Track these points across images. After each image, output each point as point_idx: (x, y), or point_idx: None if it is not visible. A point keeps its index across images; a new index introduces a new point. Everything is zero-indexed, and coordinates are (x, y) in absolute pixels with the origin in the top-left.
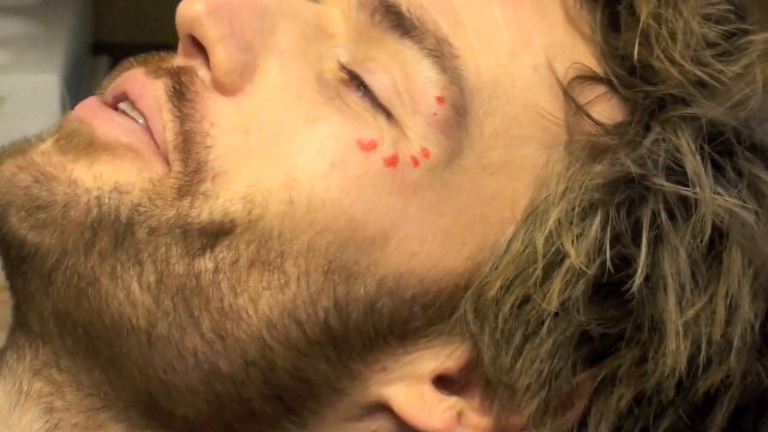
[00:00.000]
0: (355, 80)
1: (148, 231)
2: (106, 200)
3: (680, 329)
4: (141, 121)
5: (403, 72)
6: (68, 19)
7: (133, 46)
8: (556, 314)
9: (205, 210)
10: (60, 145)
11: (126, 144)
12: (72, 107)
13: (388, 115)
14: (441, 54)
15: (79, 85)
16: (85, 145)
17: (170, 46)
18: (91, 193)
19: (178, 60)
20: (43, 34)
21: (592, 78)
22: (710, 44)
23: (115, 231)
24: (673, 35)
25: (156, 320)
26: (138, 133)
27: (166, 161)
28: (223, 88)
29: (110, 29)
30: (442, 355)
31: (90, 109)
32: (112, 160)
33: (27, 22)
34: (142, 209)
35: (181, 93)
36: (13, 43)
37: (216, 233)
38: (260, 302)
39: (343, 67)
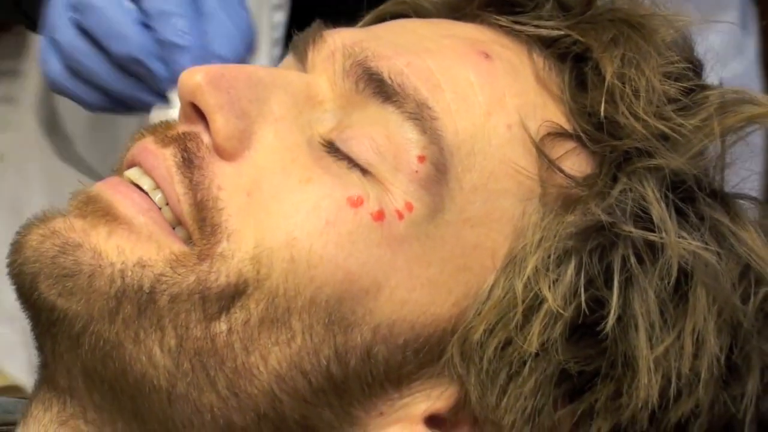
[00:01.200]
0: (334, 149)
1: (170, 299)
2: (130, 273)
3: (651, 365)
4: (147, 185)
5: (385, 134)
6: None
7: None
8: (537, 355)
9: (223, 272)
10: (80, 209)
11: (143, 223)
12: None
13: (370, 174)
14: (421, 117)
15: None
16: (102, 212)
17: None
18: (115, 266)
19: (182, 126)
20: None
21: (562, 134)
22: (671, 100)
23: (138, 300)
24: (636, 93)
25: (176, 380)
26: (154, 213)
27: (184, 226)
28: (225, 153)
29: None
30: (433, 397)
31: (110, 184)
32: (129, 236)
33: None
34: (164, 278)
35: (189, 161)
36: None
37: (232, 295)
38: (270, 358)
39: (324, 140)
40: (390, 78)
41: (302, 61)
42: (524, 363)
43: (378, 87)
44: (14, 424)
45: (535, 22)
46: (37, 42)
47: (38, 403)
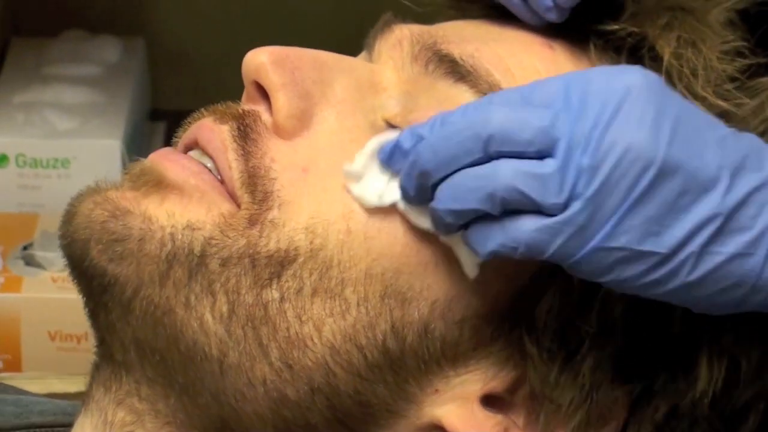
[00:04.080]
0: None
1: (221, 262)
2: (180, 236)
3: (714, 354)
4: (209, 164)
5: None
6: (128, 88)
7: (189, 112)
8: (596, 334)
9: (273, 239)
10: (132, 182)
11: (194, 185)
12: None
13: None
14: None
15: (138, 150)
16: (155, 182)
17: None
18: (165, 230)
19: (244, 106)
20: (106, 103)
21: None
22: (730, 78)
23: (189, 263)
24: (694, 72)
25: (227, 349)
26: (205, 175)
27: (233, 199)
28: (283, 131)
29: (167, 98)
30: (489, 376)
31: (161, 155)
32: (181, 200)
33: (91, 91)
34: (214, 242)
35: (245, 134)
36: (79, 110)
37: (282, 262)
38: (324, 329)
39: (389, 123)
40: (462, 59)
41: (370, 52)
42: (583, 341)
43: (450, 67)
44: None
45: (590, 20)
46: None
47: (98, 384)
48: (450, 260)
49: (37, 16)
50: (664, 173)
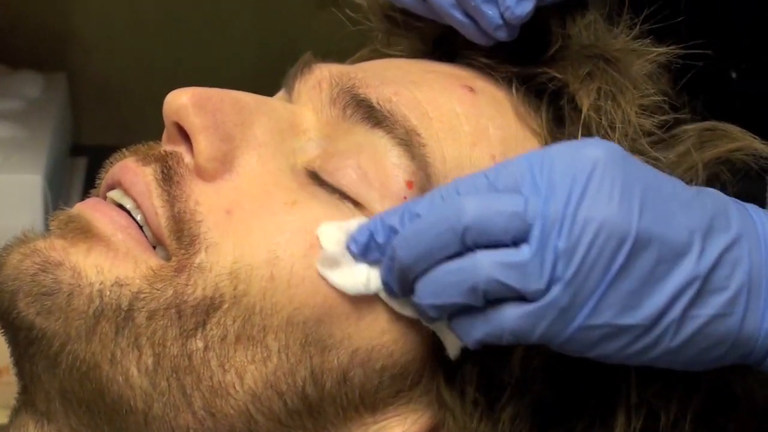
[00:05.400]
0: (319, 179)
1: (147, 315)
2: (108, 292)
3: (632, 404)
4: (129, 205)
5: (372, 160)
6: (50, 123)
7: (110, 147)
8: (517, 383)
9: (200, 285)
10: (60, 228)
11: (120, 240)
12: (53, 204)
13: (356, 203)
14: (410, 143)
15: (59, 184)
16: (81, 230)
17: None
18: (93, 286)
19: (165, 146)
20: (27, 137)
21: None
22: (646, 133)
23: (116, 318)
24: (612, 125)
25: (152, 401)
26: (132, 230)
27: (161, 244)
28: (206, 174)
29: (89, 133)
30: (408, 422)
31: (89, 204)
32: (107, 253)
33: (12, 126)
34: (142, 295)
35: (168, 177)
36: (0, 145)
37: (207, 310)
38: (246, 376)
39: (309, 171)
40: (379, 104)
41: (289, 92)
42: (504, 390)
43: (367, 112)
44: None
45: (513, 61)
46: None
47: (15, 429)
48: (372, 311)
49: None
50: (638, 246)
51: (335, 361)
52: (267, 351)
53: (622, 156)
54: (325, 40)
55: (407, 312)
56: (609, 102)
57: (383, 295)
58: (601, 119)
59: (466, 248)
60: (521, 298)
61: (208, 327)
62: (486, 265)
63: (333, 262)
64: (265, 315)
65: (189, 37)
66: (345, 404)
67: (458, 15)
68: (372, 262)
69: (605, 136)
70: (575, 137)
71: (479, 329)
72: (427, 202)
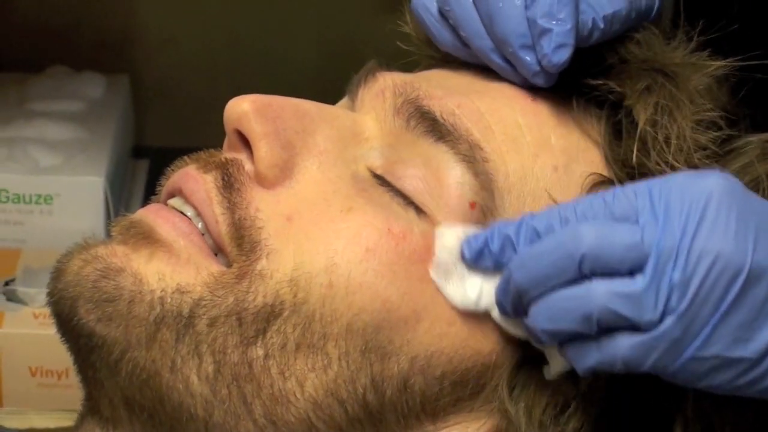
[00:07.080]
0: (386, 184)
1: (208, 322)
2: (169, 299)
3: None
4: (190, 213)
5: (435, 176)
6: (111, 125)
7: (171, 150)
8: (583, 394)
9: (260, 293)
10: (122, 234)
11: (183, 246)
12: (114, 206)
13: (419, 210)
14: (473, 159)
15: (121, 186)
16: (144, 235)
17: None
18: (155, 293)
19: (226, 154)
20: (89, 139)
21: (604, 182)
22: (701, 148)
23: (177, 325)
24: (667, 140)
25: (213, 409)
26: (194, 236)
27: (222, 251)
28: (266, 181)
29: (150, 134)
30: (470, 430)
31: (152, 210)
32: (169, 259)
33: (74, 127)
34: (203, 302)
35: (229, 184)
36: (62, 146)
37: (267, 318)
38: (306, 384)
39: (374, 173)
40: (442, 117)
41: (353, 99)
42: (570, 401)
43: (431, 125)
44: None
45: (573, 71)
46: None
47: None
48: (431, 317)
49: (21, 52)
50: (751, 280)
51: (395, 367)
52: (327, 358)
53: (739, 188)
54: (388, 43)
55: (517, 332)
56: (665, 117)
57: (495, 313)
58: (657, 134)
59: (582, 275)
60: (634, 327)
61: (269, 335)
62: (601, 294)
63: (445, 271)
64: (324, 322)
65: (251, 38)
66: (406, 412)
67: (498, 60)
68: (483, 270)
69: (660, 151)
70: (632, 150)
71: (593, 357)
72: (545, 220)
